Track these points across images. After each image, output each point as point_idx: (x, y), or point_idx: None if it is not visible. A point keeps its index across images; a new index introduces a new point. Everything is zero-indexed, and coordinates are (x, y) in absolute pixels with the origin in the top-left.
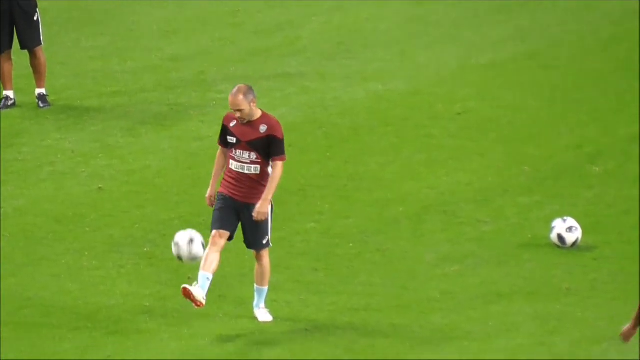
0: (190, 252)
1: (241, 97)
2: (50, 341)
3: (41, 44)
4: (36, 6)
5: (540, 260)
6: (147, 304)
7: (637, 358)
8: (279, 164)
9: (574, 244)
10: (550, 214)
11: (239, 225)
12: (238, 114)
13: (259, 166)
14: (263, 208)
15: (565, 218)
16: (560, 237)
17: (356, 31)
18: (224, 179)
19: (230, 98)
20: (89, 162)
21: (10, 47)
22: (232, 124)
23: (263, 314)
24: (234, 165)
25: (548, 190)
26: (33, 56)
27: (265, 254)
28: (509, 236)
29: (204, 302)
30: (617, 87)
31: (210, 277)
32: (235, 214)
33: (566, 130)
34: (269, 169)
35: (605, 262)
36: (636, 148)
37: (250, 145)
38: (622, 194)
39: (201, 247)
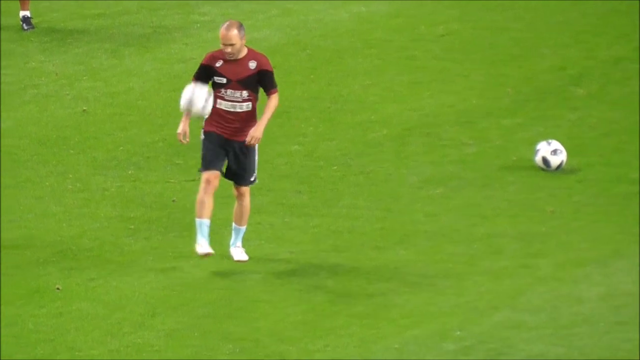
0: (203, 109)
1: (234, 31)
2: (34, 264)
3: None
4: None
5: (524, 183)
6: (132, 227)
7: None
8: (274, 96)
9: (559, 166)
10: (534, 136)
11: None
12: (229, 49)
13: (250, 103)
14: (258, 133)
15: (549, 141)
16: (544, 160)
17: None
18: (210, 117)
19: (222, 32)
20: (73, 85)
21: None
22: (218, 64)
23: (239, 253)
24: (223, 105)
25: (531, 113)
26: None
27: (248, 192)
28: (493, 158)
29: (212, 250)
30: (599, 9)
31: (209, 222)
32: (224, 151)
33: (549, 52)
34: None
35: (588, 185)
36: (618, 70)
37: (241, 84)
38: (604, 115)
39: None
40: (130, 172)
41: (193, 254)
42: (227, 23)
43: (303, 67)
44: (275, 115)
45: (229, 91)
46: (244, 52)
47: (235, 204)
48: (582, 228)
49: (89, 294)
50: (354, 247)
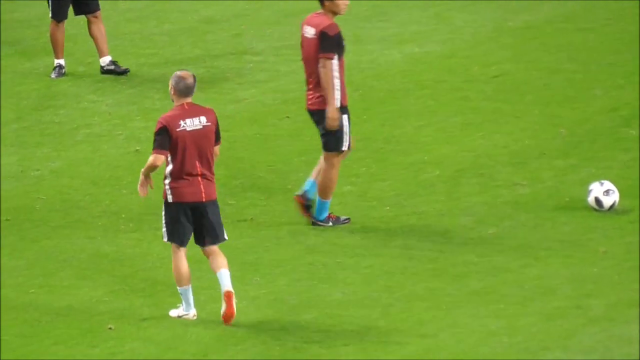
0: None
1: None
2: (87, 303)
3: (99, 9)
4: None
5: (576, 223)
6: None
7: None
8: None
9: (611, 207)
10: (586, 177)
11: None
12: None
13: None
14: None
15: (602, 181)
16: (597, 201)
17: None
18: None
19: None
20: (126, 124)
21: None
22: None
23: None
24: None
25: (584, 153)
26: (93, 21)
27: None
28: (546, 199)
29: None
30: None
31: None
32: None
33: (602, 92)
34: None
35: None
36: None
37: None
38: None
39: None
40: None
41: (246, 294)
42: None
43: (356, 107)
44: None
45: None
46: None
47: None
48: (635, 268)
49: (142, 334)
50: (406, 287)
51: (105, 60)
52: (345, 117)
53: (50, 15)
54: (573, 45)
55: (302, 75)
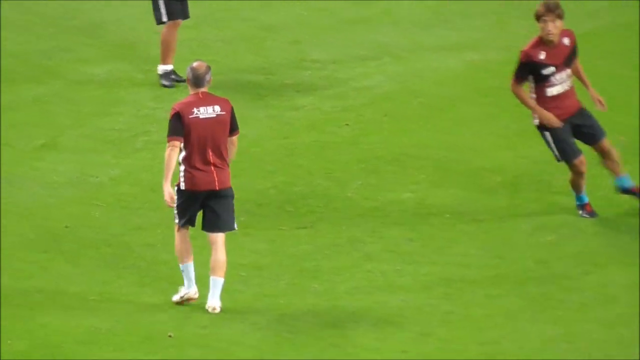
0: None
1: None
2: (146, 311)
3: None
4: None
5: (636, 231)
6: (244, 274)
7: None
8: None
9: None
10: None
11: None
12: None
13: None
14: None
15: None
16: None
17: (452, 0)
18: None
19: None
20: None
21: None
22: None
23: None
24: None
25: None
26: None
27: None
28: (604, 206)
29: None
30: None
31: None
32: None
33: None
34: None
35: None
36: None
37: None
38: None
39: None
40: (242, 219)
41: (305, 301)
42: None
43: (416, 114)
44: (387, 162)
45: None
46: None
47: None
48: None
49: (201, 341)
50: (466, 295)
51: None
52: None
53: (162, 18)
54: (633, 52)
55: (360, 83)
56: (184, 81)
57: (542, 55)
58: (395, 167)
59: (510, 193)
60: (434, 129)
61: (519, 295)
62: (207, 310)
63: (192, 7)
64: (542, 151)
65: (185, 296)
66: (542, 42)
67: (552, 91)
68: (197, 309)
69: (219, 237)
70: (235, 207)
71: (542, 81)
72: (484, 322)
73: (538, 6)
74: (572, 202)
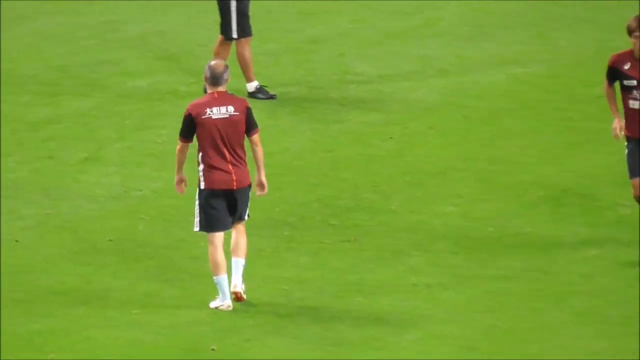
0: None
1: None
2: (189, 324)
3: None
4: None
5: None
6: (286, 288)
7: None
8: None
9: None
10: None
11: None
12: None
13: None
14: None
15: None
16: None
17: (495, 13)
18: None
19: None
20: None
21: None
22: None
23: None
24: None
25: None
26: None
27: None
28: None
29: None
30: None
31: None
32: None
33: None
34: None
35: None
36: None
37: None
38: None
39: None
40: (285, 233)
41: (348, 314)
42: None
43: (459, 127)
44: (431, 175)
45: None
46: None
47: None
48: None
49: (244, 355)
50: (509, 308)
51: (252, 85)
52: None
53: (235, 35)
54: None
55: (404, 96)
56: (272, 97)
57: (627, 66)
58: (439, 180)
59: (554, 207)
60: (478, 142)
61: (563, 309)
62: (230, 290)
63: None
64: (586, 165)
65: (219, 308)
66: (633, 54)
67: (633, 104)
68: (240, 322)
69: (237, 224)
70: (279, 220)
71: (626, 91)
72: (527, 336)
73: (631, 20)
74: (616, 216)
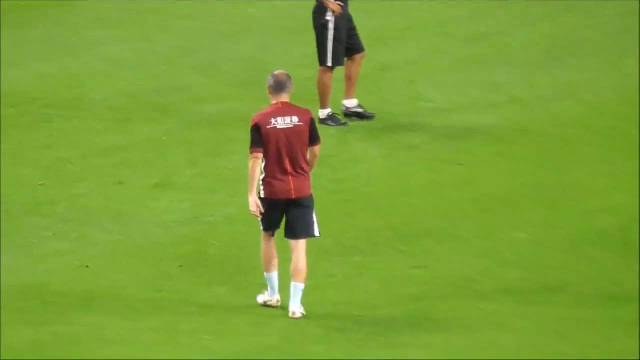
0: None
1: None
2: (261, 350)
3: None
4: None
5: None
6: (357, 314)
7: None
8: None
9: None
10: None
11: None
12: None
13: None
14: None
15: None
16: None
17: (565, 40)
18: None
19: None
20: None
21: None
22: None
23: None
24: None
25: None
26: (358, 61)
27: None
28: None
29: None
30: None
31: None
32: None
33: None
34: None
35: None
36: None
37: None
38: None
39: None
40: (356, 259)
41: (419, 340)
42: None
43: (529, 154)
44: (501, 202)
45: None
46: None
47: None
48: None
49: None
50: (581, 336)
51: (352, 102)
52: None
53: (328, 63)
54: None
55: (474, 122)
56: (370, 117)
57: None
58: (509, 207)
59: (624, 234)
60: (548, 169)
61: (635, 337)
62: (288, 316)
63: (306, 45)
64: None
65: (268, 302)
66: None
67: None
68: (310, 348)
69: (299, 244)
70: (349, 246)
71: None
72: None
73: None
74: None
